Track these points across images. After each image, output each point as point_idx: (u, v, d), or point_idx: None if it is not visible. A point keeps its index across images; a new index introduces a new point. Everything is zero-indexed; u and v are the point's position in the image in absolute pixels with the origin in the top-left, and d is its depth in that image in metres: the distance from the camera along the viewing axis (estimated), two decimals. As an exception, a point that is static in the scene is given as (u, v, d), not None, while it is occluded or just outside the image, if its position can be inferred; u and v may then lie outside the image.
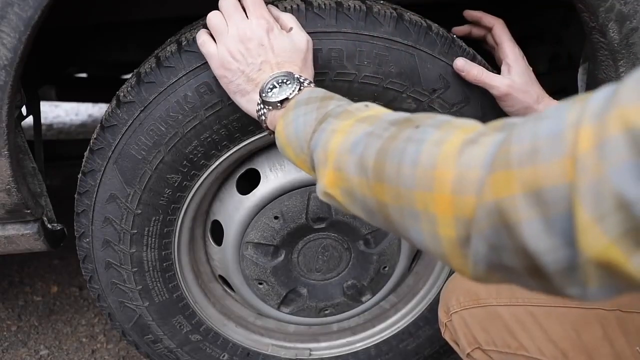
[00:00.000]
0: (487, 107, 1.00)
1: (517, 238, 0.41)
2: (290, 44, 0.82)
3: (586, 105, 0.39)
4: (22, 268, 1.97)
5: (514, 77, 0.95)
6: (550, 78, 1.29)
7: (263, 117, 0.80)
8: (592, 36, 0.98)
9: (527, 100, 0.94)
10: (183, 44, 0.93)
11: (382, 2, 0.98)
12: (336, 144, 0.62)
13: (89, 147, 1.02)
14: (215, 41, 0.84)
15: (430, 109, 0.98)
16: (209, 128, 0.96)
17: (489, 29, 1.05)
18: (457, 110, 0.99)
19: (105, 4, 1.20)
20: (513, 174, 0.41)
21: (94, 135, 1.01)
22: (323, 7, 0.92)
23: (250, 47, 0.81)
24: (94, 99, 2.57)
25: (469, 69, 0.95)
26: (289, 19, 0.86)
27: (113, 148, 0.97)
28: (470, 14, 1.08)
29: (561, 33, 1.51)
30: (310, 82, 0.79)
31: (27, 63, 0.91)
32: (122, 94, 0.97)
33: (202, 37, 0.86)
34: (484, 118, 1.00)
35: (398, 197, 0.53)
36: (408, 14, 0.96)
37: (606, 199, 0.36)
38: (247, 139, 0.99)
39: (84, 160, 1.03)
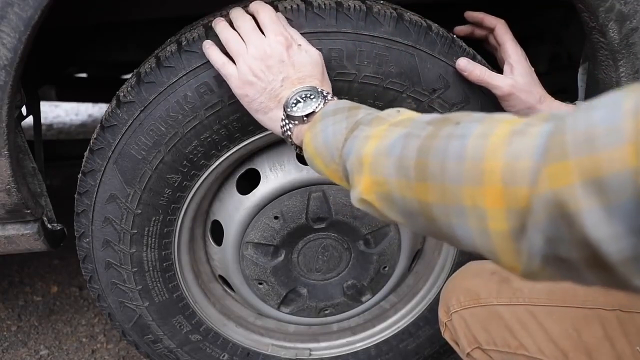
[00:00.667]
0: (487, 107, 1.00)
1: (576, 228, 0.41)
2: (308, 58, 0.83)
3: None
4: (22, 268, 1.97)
5: (516, 77, 0.95)
6: (550, 78, 1.29)
7: (288, 133, 0.80)
8: (592, 36, 0.98)
9: (530, 101, 0.94)
10: (183, 44, 0.93)
11: (382, 2, 0.98)
12: (371, 148, 0.61)
13: (89, 147, 1.02)
14: (233, 61, 0.84)
15: (430, 109, 0.98)
16: (209, 128, 0.96)
17: (491, 30, 1.05)
18: (457, 110, 0.99)
19: (105, 4, 1.20)
20: (570, 163, 0.41)
21: (94, 135, 1.01)
22: (323, 7, 0.92)
23: (270, 64, 0.81)
24: (94, 99, 2.58)
25: (472, 68, 0.95)
26: (295, 35, 0.86)
27: (113, 148, 0.97)
28: (471, 15, 1.08)
29: (561, 33, 1.51)
30: (333, 95, 0.79)
31: (27, 63, 0.91)
32: (122, 94, 0.97)
33: (221, 58, 0.86)
34: (484, 118, 1.00)
35: (443, 195, 0.52)
36: (408, 14, 0.96)
37: None
38: (247, 139, 0.99)
39: (84, 160, 1.03)
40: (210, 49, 0.88)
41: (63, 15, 1.03)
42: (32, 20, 0.86)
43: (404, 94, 0.96)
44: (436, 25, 0.98)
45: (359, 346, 1.30)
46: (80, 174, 1.03)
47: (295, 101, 0.78)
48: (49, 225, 1.11)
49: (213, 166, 1.02)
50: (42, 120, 1.88)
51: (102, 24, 1.37)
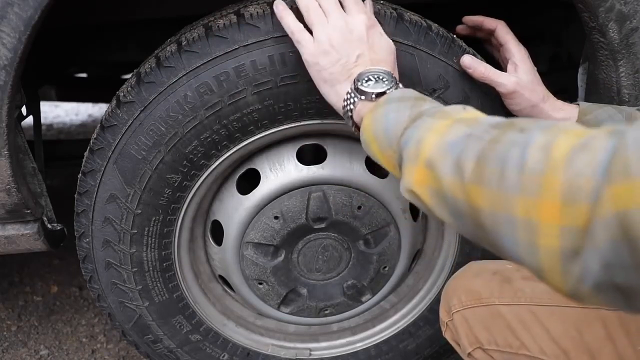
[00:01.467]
0: (487, 107, 1.00)
1: None
2: (386, 44, 0.84)
3: None
4: (22, 268, 1.97)
5: (521, 75, 0.95)
6: (550, 78, 1.29)
7: (350, 107, 0.79)
8: (592, 36, 0.98)
9: (534, 99, 0.94)
10: (183, 44, 0.93)
11: (382, 2, 0.98)
12: (431, 142, 0.60)
13: (89, 147, 1.02)
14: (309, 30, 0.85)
15: (430, 108, 0.98)
16: (209, 128, 0.96)
17: (492, 32, 1.04)
18: (458, 110, 0.99)
19: (106, 4, 1.20)
20: (636, 184, 0.39)
21: (94, 135, 1.01)
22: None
23: (350, 38, 0.82)
24: (94, 99, 2.58)
25: (476, 66, 0.95)
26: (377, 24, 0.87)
27: (113, 148, 0.97)
28: (470, 19, 1.08)
29: (561, 33, 1.51)
30: (402, 85, 0.79)
31: (27, 63, 0.91)
32: (122, 94, 0.97)
33: (297, 24, 0.85)
34: (484, 118, 1.00)
35: (495, 202, 0.51)
36: (408, 14, 0.96)
37: None
38: (247, 139, 0.99)
39: (84, 160, 1.03)
40: (284, 13, 0.87)
41: (63, 15, 1.03)
42: (32, 20, 0.86)
43: (404, 93, 0.96)
44: (436, 25, 0.98)
45: (359, 346, 1.30)
46: (80, 174, 1.03)
47: (367, 78, 0.78)
48: (49, 225, 1.11)
49: (213, 166, 1.01)
50: (42, 120, 1.88)
51: (102, 24, 1.37)
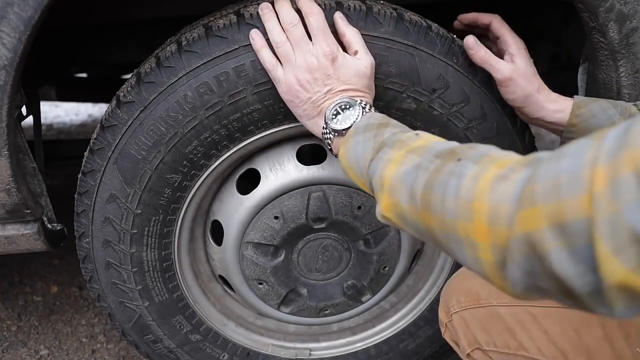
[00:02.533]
0: (486, 107, 1.00)
1: (547, 266, 0.47)
2: (355, 69, 0.86)
3: (602, 145, 0.44)
4: (22, 268, 1.97)
5: (517, 64, 0.96)
6: (550, 78, 1.29)
7: (329, 141, 0.86)
8: (592, 36, 0.98)
9: (529, 88, 0.95)
10: (183, 44, 0.93)
11: (382, 2, 0.98)
12: (390, 173, 0.69)
13: (89, 147, 1.02)
14: (282, 64, 0.88)
15: (430, 108, 0.98)
16: (209, 128, 0.96)
17: (487, 27, 1.05)
18: (457, 110, 0.99)
19: (106, 4, 1.20)
20: (539, 209, 0.47)
21: (94, 135, 1.01)
22: (323, 7, 0.92)
23: (317, 76, 0.85)
24: (94, 99, 2.58)
25: (478, 48, 0.95)
26: (354, 39, 0.88)
27: (113, 148, 0.97)
28: (465, 17, 1.08)
29: (561, 33, 1.51)
30: (371, 106, 0.85)
31: (27, 63, 0.91)
32: (122, 94, 0.97)
33: (271, 60, 0.89)
34: (483, 118, 1.01)
35: (443, 225, 0.60)
36: (408, 14, 0.96)
37: (622, 234, 0.41)
38: (247, 139, 0.99)
39: (84, 160, 1.03)
40: (260, 47, 0.89)
41: (63, 15, 1.03)
42: (32, 20, 0.86)
43: (404, 94, 0.96)
44: (436, 25, 0.98)
45: (359, 346, 1.30)
46: (80, 174, 1.03)
47: (335, 112, 0.84)
48: (49, 225, 1.11)
49: (213, 166, 1.02)
50: (42, 120, 1.88)
51: (102, 24, 1.37)
